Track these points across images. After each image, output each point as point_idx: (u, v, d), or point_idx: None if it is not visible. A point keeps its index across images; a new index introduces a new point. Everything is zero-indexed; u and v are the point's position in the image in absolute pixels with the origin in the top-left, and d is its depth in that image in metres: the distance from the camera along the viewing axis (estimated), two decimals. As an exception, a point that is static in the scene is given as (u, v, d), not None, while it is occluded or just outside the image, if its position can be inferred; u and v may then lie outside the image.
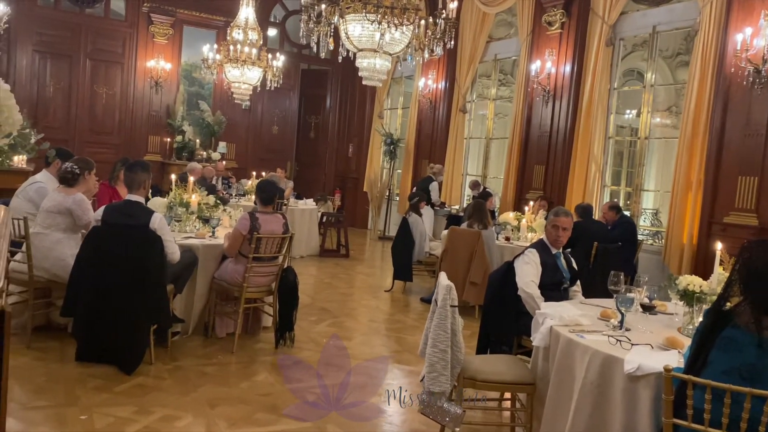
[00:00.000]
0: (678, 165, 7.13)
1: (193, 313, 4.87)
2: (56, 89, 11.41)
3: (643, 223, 9.71)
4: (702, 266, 6.47)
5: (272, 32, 13.28)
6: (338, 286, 7.67)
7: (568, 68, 8.67)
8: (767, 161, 6.16)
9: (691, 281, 3.15)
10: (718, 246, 3.26)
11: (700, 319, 2.90)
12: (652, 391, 2.46)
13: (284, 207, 8.52)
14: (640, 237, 7.65)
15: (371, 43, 5.81)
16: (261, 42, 9.64)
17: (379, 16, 5.48)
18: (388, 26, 5.54)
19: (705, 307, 3.00)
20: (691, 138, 6.94)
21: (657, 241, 8.88)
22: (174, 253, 4.17)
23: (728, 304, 2.31)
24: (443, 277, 3.23)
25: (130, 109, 11.97)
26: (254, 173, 10.40)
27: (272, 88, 10.10)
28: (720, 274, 3.12)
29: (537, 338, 3.13)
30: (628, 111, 10.65)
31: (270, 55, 9.76)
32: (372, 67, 5.99)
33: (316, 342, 5.15)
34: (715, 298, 2.84)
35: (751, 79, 6.19)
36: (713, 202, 6.66)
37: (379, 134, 12.82)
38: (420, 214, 7.48)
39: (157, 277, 3.95)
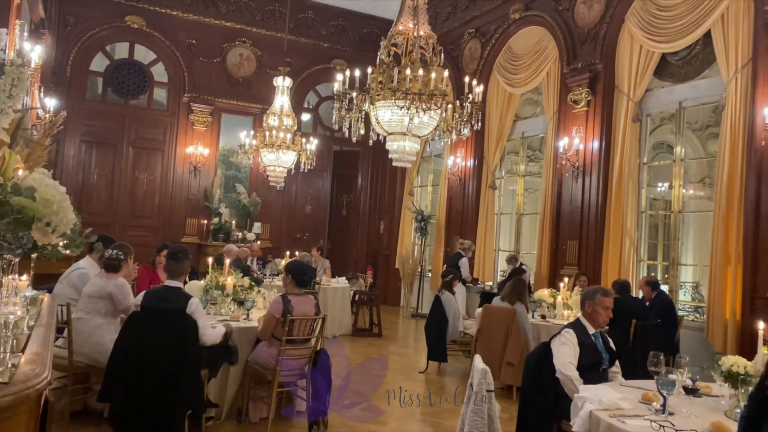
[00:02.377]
0: (715, 238, 7.02)
1: (227, 397, 4.86)
2: (100, 176, 11.95)
3: (683, 298, 9.47)
4: (748, 343, 6.22)
5: (306, 117, 13.81)
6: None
7: (596, 144, 8.76)
8: (807, 234, 6.03)
9: (734, 362, 3.05)
10: (761, 325, 3.17)
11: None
12: (700, 482, 2.35)
13: (316, 286, 8.57)
14: (680, 313, 7.45)
15: (400, 127, 6.01)
16: (295, 127, 10.02)
17: (408, 102, 5.69)
18: (417, 111, 5.74)
19: (750, 389, 2.90)
20: (726, 211, 6.87)
21: (698, 316, 8.62)
22: (205, 336, 4.19)
23: (774, 387, 2.23)
24: (478, 360, 3.20)
25: (170, 193, 12.42)
26: (288, 252, 10.56)
27: (306, 170, 10.41)
28: (765, 355, 3.02)
29: (577, 423, 3.04)
30: (660, 184, 10.61)
31: (304, 139, 10.12)
32: (401, 149, 6.16)
33: (350, 427, 5.06)
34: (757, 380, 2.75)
35: (783, 151, 6.18)
36: (754, 275, 6.50)
37: (409, 211, 12.96)
38: (453, 292, 7.44)
39: (193, 362, 3.98)
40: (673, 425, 2.72)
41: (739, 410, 2.91)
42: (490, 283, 10.31)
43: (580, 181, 8.95)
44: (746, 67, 6.80)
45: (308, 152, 10.07)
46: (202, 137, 12.53)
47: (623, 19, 8.53)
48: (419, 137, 6.19)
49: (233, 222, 12.53)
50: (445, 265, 10.32)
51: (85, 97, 11.96)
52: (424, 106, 5.75)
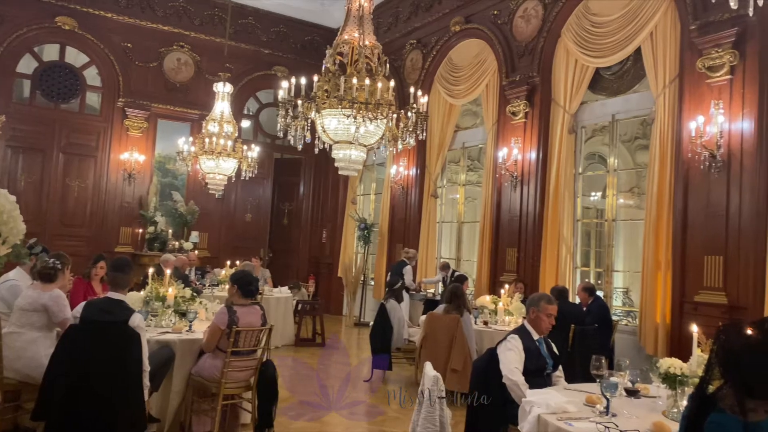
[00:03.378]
0: (646, 245, 7.35)
1: (169, 411, 4.71)
2: (27, 183, 11.38)
3: (616, 303, 9.86)
4: (677, 345, 6.55)
5: (246, 124, 13.60)
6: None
7: (533, 155, 9.03)
8: (730, 241, 6.40)
9: (671, 364, 3.21)
10: (694, 328, 3.35)
11: (684, 401, 2.95)
12: (645, 480, 2.45)
13: (258, 296, 8.43)
14: (614, 317, 7.76)
15: (347, 135, 6.01)
16: (236, 134, 9.86)
17: (354, 111, 5.71)
18: (363, 120, 5.76)
19: (687, 389, 3.05)
20: (656, 219, 7.21)
21: (631, 320, 9.00)
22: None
23: (711, 387, 2.35)
24: (429, 368, 3.23)
25: (102, 201, 11.95)
26: (228, 262, 10.35)
27: (246, 178, 10.26)
28: (699, 356, 3.19)
29: (525, 428, 3.12)
30: (593, 193, 11.05)
31: (245, 146, 9.97)
32: (348, 158, 6.17)
33: (297, 438, 4.99)
34: (696, 380, 2.89)
35: (708, 163, 6.55)
36: (683, 281, 6.83)
37: (352, 219, 12.97)
38: (400, 300, 7.49)
39: (135, 376, 3.84)
40: (617, 426, 2.82)
41: (676, 410, 3.06)
42: (432, 291, 10.42)
43: (518, 190, 9.19)
44: (673, 82, 7.18)
45: (249, 159, 9.92)
46: (137, 143, 12.14)
47: (559, 33, 8.85)
48: (365, 146, 6.21)
49: (170, 231, 12.18)
50: (389, 274, 10.37)
51: (11, 100, 11.37)
52: (370, 116, 5.78)
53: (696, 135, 6.62)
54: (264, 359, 4.77)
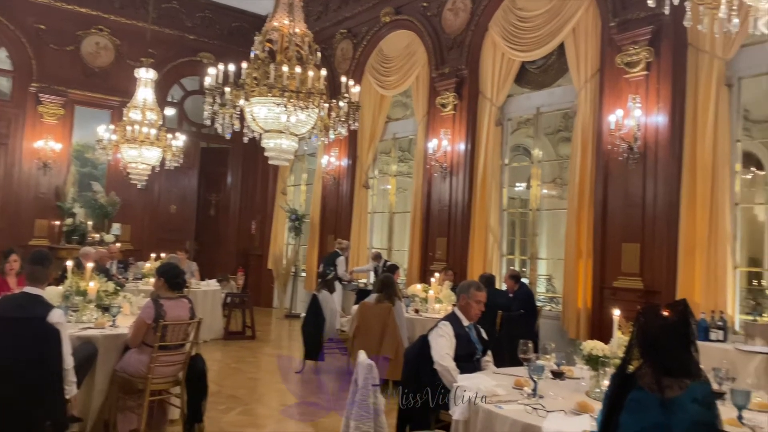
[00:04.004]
0: (568, 234, 7.65)
1: (92, 409, 4.51)
2: (-71, 172, 10.58)
3: (540, 290, 10.21)
4: (598, 329, 6.86)
5: (170, 112, 13.15)
6: (246, 370, 7.40)
7: (462, 146, 9.19)
8: (646, 229, 6.76)
9: (593, 346, 3.35)
10: (616, 312, 3.51)
11: (606, 382, 3.09)
12: (571, 457, 2.56)
13: (185, 289, 8.20)
14: (538, 303, 8.05)
15: (277, 124, 5.92)
16: (160, 122, 9.52)
17: (285, 99, 5.63)
18: (294, 109, 5.69)
19: (609, 370, 3.20)
20: (578, 209, 7.51)
21: (554, 306, 9.35)
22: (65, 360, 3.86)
23: (631, 367, 2.48)
24: (363, 356, 3.24)
25: (15, 191, 11.27)
26: (153, 255, 10.00)
27: (171, 168, 9.93)
28: (619, 338, 3.35)
29: (456, 412, 3.18)
30: (518, 184, 11.37)
31: (169, 135, 9.64)
32: (279, 147, 6.08)
33: (228, 432, 4.91)
34: (616, 361, 3.04)
35: (626, 155, 6.87)
36: (602, 268, 7.16)
37: (283, 210, 12.81)
38: (333, 291, 7.47)
39: (55, 375, 3.66)
40: (544, 407, 2.93)
41: (598, 390, 3.20)
42: (365, 281, 10.46)
43: (448, 181, 9.35)
44: (594, 77, 7.48)
45: (174, 148, 9.62)
46: (52, 131, 11.50)
47: (487, 27, 9.03)
48: (297, 136, 6.14)
49: (89, 223, 11.63)
50: (322, 265, 10.33)
51: None
52: (301, 105, 5.71)
53: (615, 128, 6.93)
54: (193, 353, 4.65)
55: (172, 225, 13.20)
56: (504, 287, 7.87)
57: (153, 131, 9.25)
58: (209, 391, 4.82)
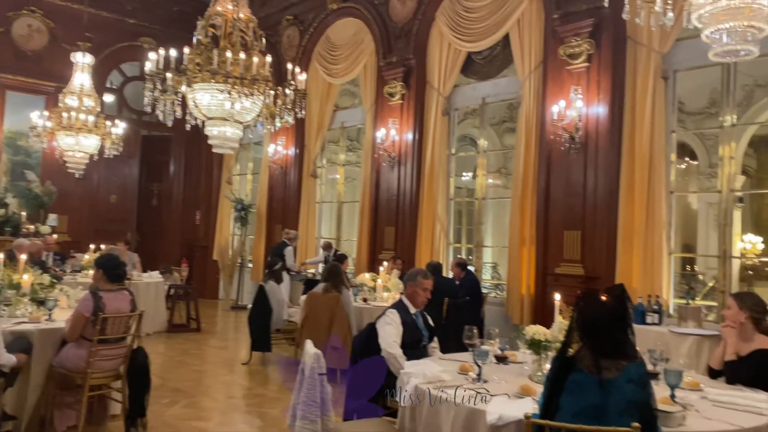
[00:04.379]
0: (512, 222, 7.80)
1: (27, 407, 4.33)
2: None
3: (485, 277, 10.41)
4: (540, 314, 7.03)
5: (109, 98, 12.69)
6: (191, 363, 7.26)
7: (410, 136, 9.23)
8: (587, 216, 6.95)
9: (536, 331, 3.44)
10: (557, 297, 3.60)
11: (548, 365, 3.17)
12: (514, 439, 2.62)
13: (126, 281, 7.96)
14: (484, 290, 8.20)
15: (221, 111, 5.80)
16: (98, 108, 9.18)
17: (229, 86, 5.51)
18: (239, 96, 5.58)
19: (550, 354, 3.29)
20: (522, 198, 7.66)
21: (499, 293, 9.55)
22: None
23: (571, 350, 2.55)
24: (310, 345, 3.22)
25: (-60, 180, 10.67)
26: (92, 246, 9.66)
27: (110, 156, 9.61)
28: (560, 323, 3.44)
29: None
30: (464, 174, 11.53)
31: (108, 122, 9.32)
32: (222, 135, 5.96)
33: (172, 426, 4.81)
34: (558, 345, 3.13)
35: (568, 145, 7.03)
36: (545, 255, 7.33)
37: (228, 200, 12.58)
38: (280, 281, 7.40)
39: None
40: (488, 391, 2.99)
41: (541, 373, 3.29)
42: (313, 271, 10.41)
43: (396, 170, 9.37)
44: (538, 68, 7.61)
45: (113, 136, 9.31)
46: (-19, 117, 10.92)
47: (434, 17, 9.06)
48: (241, 123, 6.03)
49: (23, 214, 11.12)
50: (269, 255, 10.21)
51: None
52: (246, 91, 5.61)
53: (558, 118, 7.08)
54: (134, 346, 4.53)
55: (112, 215, 12.78)
56: (451, 275, 7.98)
57: (91, 118, 8.93)
58: (152, 384, 4.71)
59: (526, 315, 7.34)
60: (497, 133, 12.23)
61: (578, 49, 7.07)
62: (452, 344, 5.06)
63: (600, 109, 6.94)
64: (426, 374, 3.22)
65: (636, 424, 2.22)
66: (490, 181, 11.23)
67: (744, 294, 3.67)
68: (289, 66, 6.23)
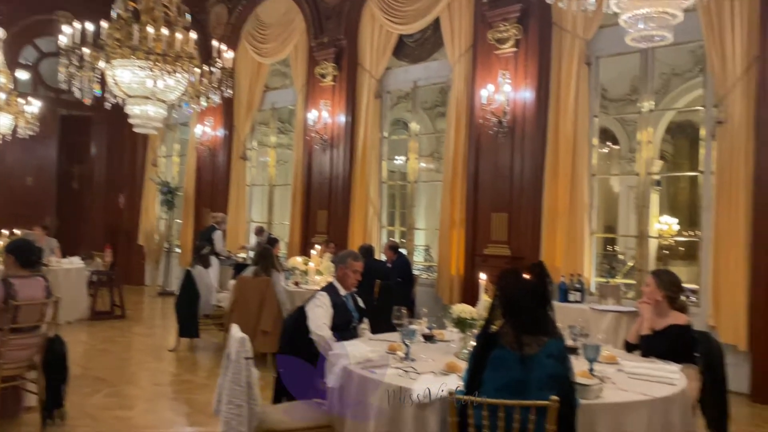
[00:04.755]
0: (443, 205, 7.91)
1: (-70, 403, 4.07)
2: None
3: (418, 259, 10.53)
4: (469, 294, 7.16)
5: (23, 75, 11.95)
6: (114, 351, 7.00)
7: (342, 118, 9.16)
8: (513, 199, 7.13)
9: (462, 309, 3.50)
10: (482, 276, 3.68)
11: (473, 343, 3.23)
12: (439, 415, 2.65)
13: (44, 268, 7.57)
14: (416, 272, 8.30)
15: (143, 89, 5.57)
16: (11, 86, 8.64)
17: (151, 63, 5.29)
18: (161, 73, 5.37)
19: (475, 331, 3.35)
20: (452, 181, 7.77)
21: (431, 274, 9.68)
22: None
23: (494, 327, 2.61)
24: (236, 330, 3.16)
25: None
26: (5, 232, 9.12)
27: (26, 136, 9.08)
28: (485, 301, 3.51)
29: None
30: (397, 157, 11.57)
31: (22, 100, 8.79)
32: (144, 114, 5.73)
33: (92, 416, 4.62)
34: (483, 323, 3.19)
35: (496, 129, 7.16)
36: (474, 236, 7.48)
37: (154, 183, 12.16)
38: (208, 266, 7.22)
39: None
40: (415, 369, 3.02)
41: (466, 351, 3.35)
42: (244, 256, 10.21)
43: (328, 153, 9.30)
44: (468, 52, 7.69)
45: (27, 115, 8.80)
46: None
47: (365, -2, 8.99)
48: (165, 102, 5.81)
49: (-72, 197, 10.38)
50: (197, 239, 9.94)
51: None
52: (169, 69, 5.40)
53: (486, 103, 7.19)
54: (51, 335, 4.32)
55: (28, 199, 12.10)
56: (384, 257, 8.02)
57: (2, 95, 8.40)
58: (71, 374, 4.51)
59: (455, 295, 7.48)
60: (430, 117, 12.33)
61: (506, 34, 7.18)
62: (384, 325, 5.08)
63: (527, 94, 7.09)
64: (354, 355, 3.21)
65: (555, 398, 2.29)
66: (423, 164, 11.32)
67: (662, 272, 3.85)
68: (215, 43, 6.03)
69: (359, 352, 3.25)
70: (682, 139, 12.14)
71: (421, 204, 11.89)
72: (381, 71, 8.90)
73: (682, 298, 3.77)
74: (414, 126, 9.07)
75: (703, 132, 6.55)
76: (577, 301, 6.12)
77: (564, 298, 6.13)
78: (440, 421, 2.64)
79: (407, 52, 8.97)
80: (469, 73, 7.67)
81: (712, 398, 3.44)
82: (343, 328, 4.09)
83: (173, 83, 5.67)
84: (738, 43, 5.77)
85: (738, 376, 5.44)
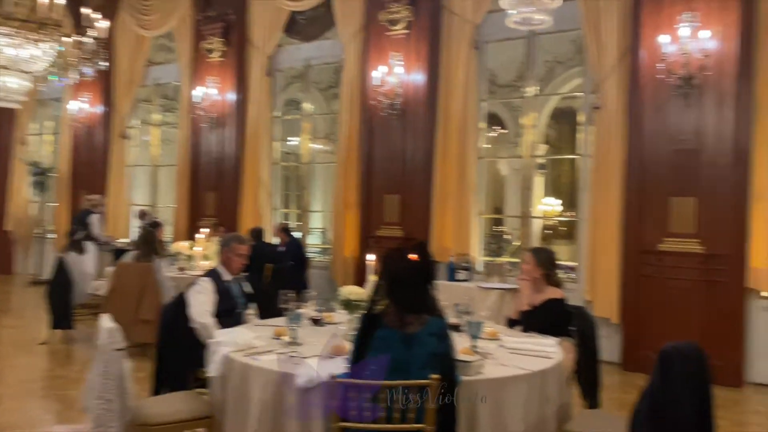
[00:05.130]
0: (337, 187, 7.84)
1: None
2: None
3: (314, 241, 10.42)
4: (363, 276, 7.14)
5: None
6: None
7: (231, 96, 8.82)
8: (406, 180, 7.20)
9: (350, 291, 3.46)
10: (369, 257, 3.65)
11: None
12: (324, 401, 2.59)
13: None
14: (311, 255, 8.20)
15: (3, 59, 5.04)
16: None
17: (12, 29, 4.79)
18: (23, 41, 4.88)
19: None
20: (346, 162, 7.72)
21: (327, 257, 9.62)
22: None
23: (379, 307, 2.58)
24: (105, 320, 2.93)
25: None
26: None
27: None
28: (372, 281, 3.49)
29: (212, 368, 3.06)
30: (290, 139, 11.35)
31: None
32: (4, 86, 5.19)
33: (-55, 420, 4.17)
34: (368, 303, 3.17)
35: (388, 111, 7.17)
36: (368, 218, 7.49)
37: (23, 163, 11.17)
38: (83, 252, 6.72)
39: None
40: (301, 354, 2.94)
41: (354, 332, 3.31)
42: (126, 240, 9.64)
43: (216, 132, 8.94)
44: (360, 32, 7.61)
45: None
46: None
47: (259, -30, 8.65)
48: (29, 73, 5.30)
49: None
50: (72, 224, 9.23)
51: None
52: (32, 37, 4.92)
53: (379, 84, 7.17)
54: None
55: None
56: (278, 241, 7.84)
57: None
58: None
59: (349, 277, 7.46)
60: (325, 97, 12.15)
61: (398, 16, 7.18)
62: (275, 310, 4.97)
63: (418, 77, 7.15)
64: (237, 342, 3.09)
65: (435, 376, 2.29)
66: (320, 146, 11.18)
67: (539, 249, 4.00)
68: (86, 11, 5.56)
69: (242, 339, 3.13)
70: (565, 124, 12.77)
71: (318, 186, 11.76)
72: (272, 48, 8.62)
73: (558, 273, 3.93)
74: (307, 106, 8.91)
75: (582, 117, 6.89)
76: (465, 280, 6.28)
77: (452, 277, 6.28)
78: (325, 406, 2.58)
79: (299, 30, 8.74)
80: (361, 54, 7.61)
81: (586, 369, 3.63)
82: (228, 315, 3.93)
83: (40, 53, 5.18)
84: (613, 33, 6.08)
85: (611, 347, 5.83)
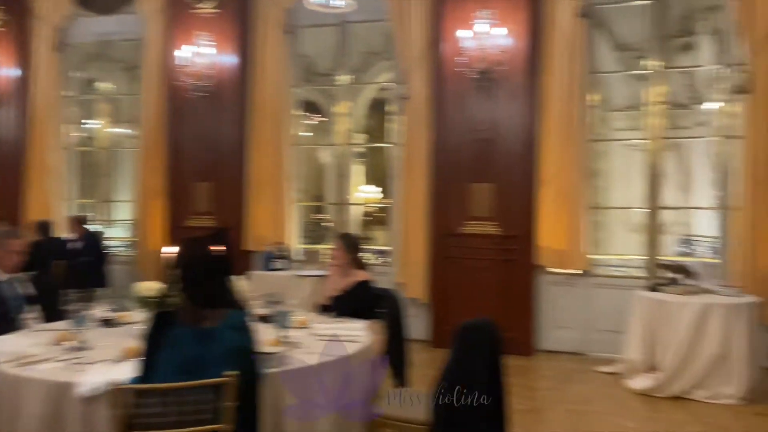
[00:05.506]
0: (140, 174, 7.29)
1: None
2: None
3: (119, 234, 9.58)
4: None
5: None
6: None
7: (12, 72, 7.77)
8: (218, 167, 6.92)
9: (147, 287, 3.19)
10: (167, 249, 3.40)
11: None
12: (110, 411, 2.34)
13: None
14: (116, 249, 7.53)
15: None
16: None
17: None
18: None
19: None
20: (152, 148, 7.19)
21: (134, 251, 8.91)
22: None
23: (174, 302, 2.37)
24: None
25: None
26: None
27: None
28: (169, 276, 3.25)
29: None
30: (89, 122, 10.30)
31: None
32: None
33: None
34: (173, 300, 2.93)
35: (196, 93, 6.78)
36: (176, 207, 7.06)
37: None
38: None
39: None
40: (84, 360, 2.64)
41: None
42: None
43: (-5, 113, 7.81)
44: (164, 8, 7.09)
45: None
46: None
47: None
48: None
49: None
50: None
51: None
52: None
53: (185, 65, 6.75)
54: None
55: None
56: (74, 235, 7.07)
57: None
58: None
59: (157, 272, 6.96)
60: (130, 78, 11.17)
61: (204, -8, 6.80)
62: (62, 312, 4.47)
63: (230, 59, 6.88)
64: (6, 351, 2.69)
65: (231, 373, 2.16)
66: (124, 130, 10.25)
67: (345, 235, 4.06)
68: None
69: (13, 348, 2.73)
70: (381, 113, 13.16)
71: (125, 174, 10.80)
72: (59, 20, 7.68)
73: (364, 257, 4.03)
74: (105, 86, 8.11)
75: (393, 107, 7.09)
76: (281, 269, 6.17)
77: (269, 267, 6.14)
78: (111, 415, 2.33)
79: (94, 2, 7.90)
80: (164, 31, 7.10)
81: (395, 349, 3.73)
82: (1, 320, 3.43)
83: None
84: (418, 25, 6.30)
85: (421, 325, 6.11)
